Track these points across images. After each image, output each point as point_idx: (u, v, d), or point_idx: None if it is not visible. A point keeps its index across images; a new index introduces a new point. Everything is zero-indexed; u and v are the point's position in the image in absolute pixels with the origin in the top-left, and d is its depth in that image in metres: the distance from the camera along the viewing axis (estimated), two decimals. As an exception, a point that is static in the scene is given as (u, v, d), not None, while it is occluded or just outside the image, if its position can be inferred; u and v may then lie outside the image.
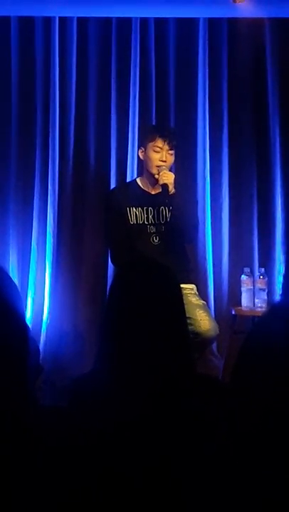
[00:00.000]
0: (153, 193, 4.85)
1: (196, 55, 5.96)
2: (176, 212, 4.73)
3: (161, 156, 4.76)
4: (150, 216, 4.82)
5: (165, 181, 4.69)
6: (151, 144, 4.78)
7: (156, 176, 4.75)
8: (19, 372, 1.78)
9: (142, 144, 4.93)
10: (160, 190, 4.78)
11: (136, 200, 4.84)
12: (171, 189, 4.69)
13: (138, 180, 4.96)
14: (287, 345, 1.27)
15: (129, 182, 5.24)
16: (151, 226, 4.82)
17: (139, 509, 1.86)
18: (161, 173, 4.72)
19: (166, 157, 4.76)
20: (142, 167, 4.96)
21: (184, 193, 4.88)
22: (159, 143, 4.76)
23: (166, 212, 4.81)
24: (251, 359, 1.35)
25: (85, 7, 5.77)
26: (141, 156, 4.88)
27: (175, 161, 4.93)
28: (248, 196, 5.96)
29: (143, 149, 4.85)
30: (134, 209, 4.82)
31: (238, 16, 5.79)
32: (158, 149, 4.76)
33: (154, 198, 4.84)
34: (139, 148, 4.99)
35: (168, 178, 4.70)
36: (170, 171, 4.83)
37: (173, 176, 4.74)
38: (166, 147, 4.77)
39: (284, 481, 1.27)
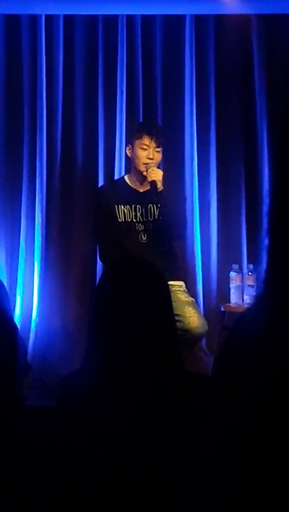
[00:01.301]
0: (141, 190, 4.85)
1: (183, 51, 5.96)
2: (165, 210, 4.72)
3: (148, 153, 4.75)
4: (138, 214, 4.81)
5: (153, 178, 4.68)
6: (138, 142, 4.77)
7: (145, 174, 4.74)
8: (6, 371, 1.78)
9: (129, 141, 4.91)
10: (148, 187, 4.77)
11: (124, 197, 4.83)
12: (160, 186, 4.68)
13: (126, 178, 4.95)
14: (268, 339, 1.27)
15: (118, 179, 5.23)
16: (140, 224, 4.81)
17: (129, 509, 1.86)
18: (149, 170, 4.71)
19: (153, 154, 4.75)
20: (130, 164, 4.95)
21: (173, 190, 4.87)
22: (146, 140, 4.75)
23: (154, 209, 4.80)
24: (233, 353, 1.36)
25: (71, 4, 5.76)
26: (128, 154, 4.87)
27: (163, 158, 4.93)
28: (236, 193, 5.97)
29: (130, 147, 4.84)
30: (122, 207, 4.81)
31: (225, 13, 5.79)
32: (145, 147, 4.75)
33: (142, 195, 4.83)
34: (126, 145, 4.98)
35: (156, 175, 4.70)
36: (158, 167, 4.82)
37: (161, 172, 4.74)
38: (154, 144, 4.76)
39: (272, 475, 1.27)
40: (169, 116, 5.97)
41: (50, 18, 5.95)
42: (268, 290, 1.31)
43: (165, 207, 4.71)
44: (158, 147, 4.77)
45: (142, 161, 4.74)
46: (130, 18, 5.94)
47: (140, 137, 4.76)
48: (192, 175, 5.92)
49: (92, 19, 5.96)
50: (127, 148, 4.89)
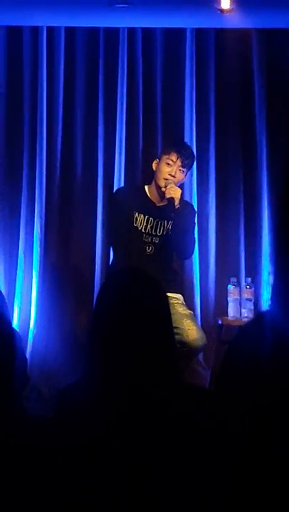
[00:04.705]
0: (157, 204, 4.85)
1: (184, 65, 5.98)
2: (178, 229, 4.74)
3: (171, 170, 4.77)
4: (149, 226, 4.83)
5: (172, 195, 4.70)
6: (165, 157, 4.81)
7: (163, 189, 4.75)
8: (6, 382, 1.78)
9: (158, 154, 4.96)
10: (164, 203, 4.79)
11: (141, 206, 4.85)
12: (177, 204, 4.70)
13: (146, 188, 4.96)
14: (269, 352, 1.28)
15: (137, 186, 5.24)
16: (147, 236, 4.83)
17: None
18: (168, 187, 4.73)
19: (176, 172, 4.77)
20: (152, 177, 4.94)
21: (187, 212, 4.88)
22: (173, 157, 4.78)
23: (165, 225, 4.82)
24: (234, 367, 1.36)
25: (73, 17, 5.78)
26: (154, 167, 4.88)
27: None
28: (235, 207, 5.97)
29: (157, 160, 4.87)
30: (137, 214, 4.83)
31: (226, 27, 5.81)
32: (171, 162, 4.78)
33: (157, 209, 4.84)
34: (154, 158, 4.99)
35: (175, 192, 4.71)
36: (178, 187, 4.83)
37: (180, 191, 4.75)
38: (179, 163, 4.78)
39: (268, 485, 1.28)
40: (169, 129, 5.99)
41: (51, 30, 5.98)
42: (274, 305, 1.32)
43: (178, 226, 4.73)
44: (183, 167, 4.79)
45: (163, 176, 4.76)
46: (131, 31, 5.96)
47: (168, 152, 4.80)
48: (191, 187, 5.92)
49: (94, 32, 5.98)
50: (154, 161, 4.90)
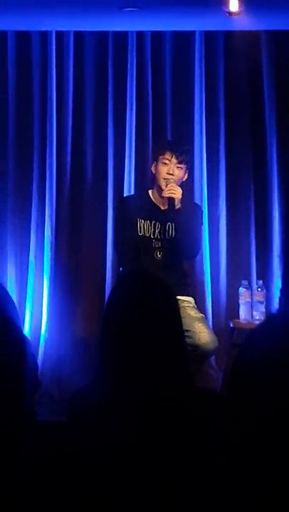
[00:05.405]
0: (162, 208, 4.85)
1: (193, 67, 5.97)
2: (180, 228, 4.74)
3: (168, 168, 4.77)
4: (156, 231, 4.83)
5: (171, 195, 4.70)
6: (161, 158, 4.82)
7: (164, 189, 4.75)
8: (17, 388, 1.77)
9: (154, 157, 4.96)
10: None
11: (145, 212, 4.85)
12: (177, 203, 4.69)
13: (150, 193, 4.96)
14: (281, 355, 1.27)
15: (141, 193, 5.24)
16: (156, 241, 4.83)
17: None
18: (168, 186, 4.73)
19: (173, 170, 4.77)
20: (153, 181, 4.95)
21: (191, 211, 4.87)
22: (168, 155, 4.79)
23: (171, 228, 4.81)
24: (245, 369, 1.35)
25: (82, 21, 5.78)
26: (152, 170, 4.90)
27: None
28: (246, 209, 5.96)
29: (155, 163, 4.88)
30: (142, 221, 4.83)
31: (234, 29, 5.81)
32: (166, 161, 4.78)
33: (163, 213, 4.84)
34: (152, 162, 5.00)
35: (175, 192, 4.71)
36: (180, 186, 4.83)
37: (180, 191, 4.74)
38: (175, 160, 4.78)
39: (282, 489, 1.27)
40: (179, 132, 5.98)
41: (60, 35, 5.98)
42: (285, 306, 1.31)
43: (181, 226, 4.72)
44: (179, 164, 4.79)
45: (162, 176, 4.77)
46: (140, 35, 5.97)
47: (163, 153, 4.81)
48: (201, 190, 5.92)
49: (102, 35, 5.98)
50: (152, 165, 4.92)
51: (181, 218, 4.72)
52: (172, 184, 4.73)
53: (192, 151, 5.62)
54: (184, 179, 4.89)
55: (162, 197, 4.80)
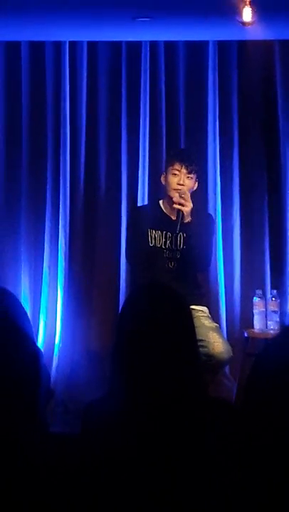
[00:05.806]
0: (173, 218, 4.84)
1: (206, 77, 5.98)
2: (191, 241, 4.73)
3: (178, 179, 4.76)
4: (168, 241, 4.82)
5: (180, 208, 4.68)
6: (170, 168, 4.80)
7: (175, 200, 4.74)
8: (30, 399, 1.77)
9: (164, 168, 4.95)
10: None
11: (156, 222, 4.84)
12: (187, 217, 4.69)
13: (161, 203, 4.95)
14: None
15: (153, 203, 5.23)
16: (168, 251, 4.82)
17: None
18: (181, 198, 4.71)
19: (184, 180, 4.76)
20: (164, 191, 4.94)
21: (202, 221, 4.86)
22: (177, 166, 4.77)
23: (182, 238, 4.80)
24: (261, 380, 1.34)
25: (95, 31, 5.80)
26: (162, 181, 4.89)
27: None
28: (260, 218, 5.95)
29: (164, 174, 4.87)
30: (154, 231, 4.83)
31: (248, 39, 5.81)
32: (176, 172, 4.77)
33: (173, 223, 4.82)
34: (162, 173, 5.00)
35: (184, 205, 4.69)
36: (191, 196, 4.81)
37: (191, 204, 4.72)
38: (184, 171, 4.77)
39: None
40: (192, 142, 5.98)
41: (73, 45, 6.00)
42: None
43: (191, 238, 4.71)
44: (189, 173, 4.78)
45: (173, 187, 4.76)
46: (153, 45, 5.98)
47: (172, 163, 4.80)
48: (215, 200, 5.91)
49: (116, 46, 6.00)
50: (162, 175, 4.91)
51: (191, 229, 4.71)
52: (184, 196, 4.71)
53: (201, 159, 5.61)
54: (194, 188, 4.87)
55: (173, 208, 4.79)
